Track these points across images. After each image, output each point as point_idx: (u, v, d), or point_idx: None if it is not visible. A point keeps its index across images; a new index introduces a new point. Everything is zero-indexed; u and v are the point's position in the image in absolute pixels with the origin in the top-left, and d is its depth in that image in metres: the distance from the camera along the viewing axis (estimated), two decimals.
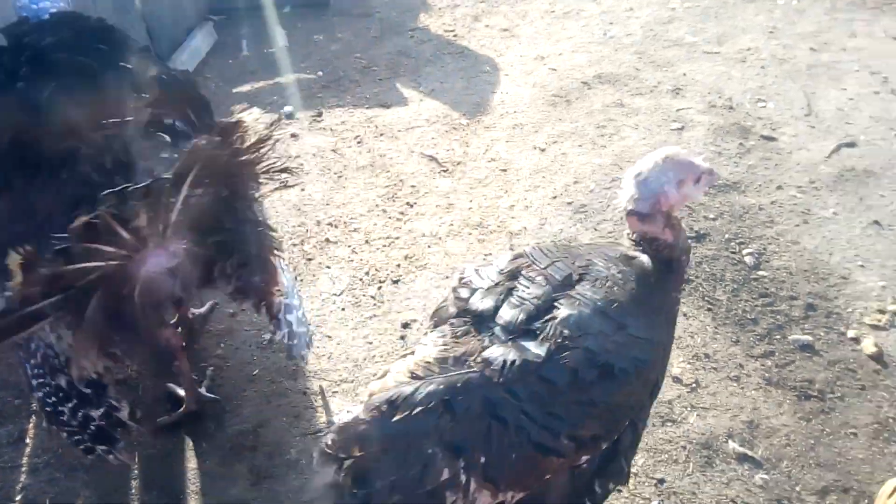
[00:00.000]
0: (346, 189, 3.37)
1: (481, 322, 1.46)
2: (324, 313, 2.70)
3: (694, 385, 2.33)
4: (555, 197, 3.23)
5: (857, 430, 2.20)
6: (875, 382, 2.35)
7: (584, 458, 1.46)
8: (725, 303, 2.64)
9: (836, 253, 2.87)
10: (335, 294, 2.78)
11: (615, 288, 1.49)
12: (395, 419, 1.33)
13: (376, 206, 3.25)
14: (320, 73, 4.46)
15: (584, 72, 4.25)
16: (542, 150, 3.57)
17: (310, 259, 2.94)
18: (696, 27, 4.65)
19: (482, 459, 1.34)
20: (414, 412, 1.32)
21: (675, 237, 1.61)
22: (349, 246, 3.01)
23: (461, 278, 1.58)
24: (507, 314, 1.45)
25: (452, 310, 1.53)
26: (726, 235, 2.96)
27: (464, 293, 1.53)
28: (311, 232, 3.09)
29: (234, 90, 4.32)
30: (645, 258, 1.59)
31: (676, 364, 2.40)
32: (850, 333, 2.51)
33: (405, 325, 2.62)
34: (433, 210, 3.20)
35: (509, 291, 1.49)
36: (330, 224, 3.14)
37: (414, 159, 3.57)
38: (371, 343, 2.56)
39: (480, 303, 1.49)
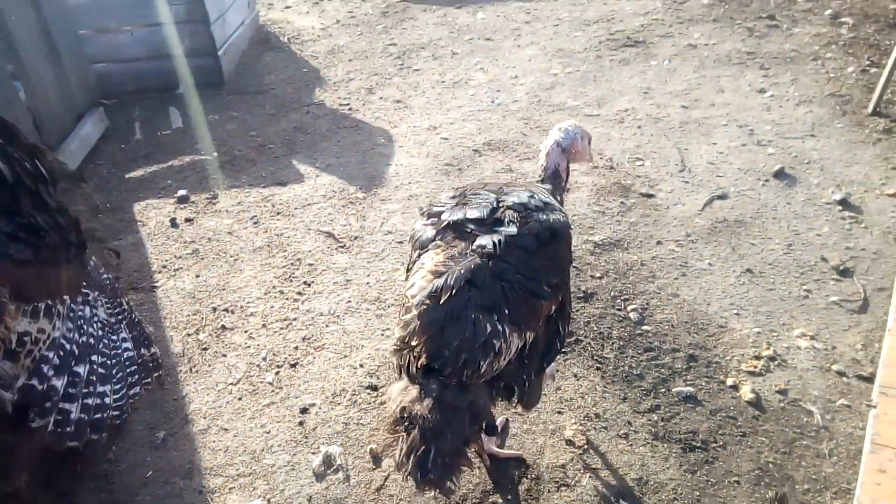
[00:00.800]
0: (242, 272, 3.35)
1: (458, 228, 1.94)
2: (220, 405, 2.66)
3: (585, 447, 2.41)
4: None
5: (739, 478, 2.31)
6: (755, 428, 2.49)
7: (553, 305, 1.97)
8: (613, 360, 2.76)
9: (714, 302, 3.05)
10: (231, 384, 2.75)
11: (534, 191, 2.09)
12: (441, 302, 1.74)
13: (273, 287, 3.24)
14: (215, 154, 4.46)
15: (475, 139, 4.41)
16: None
17: (205, 348, 2.90)
18: (576, 91, 4.92)
19: (506, 311, 1.80)
20: (452, 293, 1.75)
21: (567, 176, 2.40)
22: (246, 331, 2.99)
23: (425, 212, 2.07)
24: (473, 215, 1.94)
25: (431, 232, 1.99)
26: (612, 293, 3.10)
27: (434, 218, 2.01)
28: (206, 320, 3.06)
29: (128, 175, 4.27)
30: (546, 184, 2.31)
31: (569, 426, 2.48)
32: (730, 381, 2.66)
33: (303, 411, 2.61)
34: (331, 288, 3.23)
35: (465, 204, 2.00)
36: (226, 310, 3.11)
37: (311, 237, 3.60)
38: (269, 432, 2.54)
39: (451, 216, 1.96)
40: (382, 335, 2.93)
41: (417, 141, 4.48)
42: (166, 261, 3.47)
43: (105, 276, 2.47)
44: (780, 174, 3.84)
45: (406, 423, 1.79)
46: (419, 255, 1.97)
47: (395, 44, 6.04)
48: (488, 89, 5.08)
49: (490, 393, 1.93)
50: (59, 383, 2.16)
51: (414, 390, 1.83)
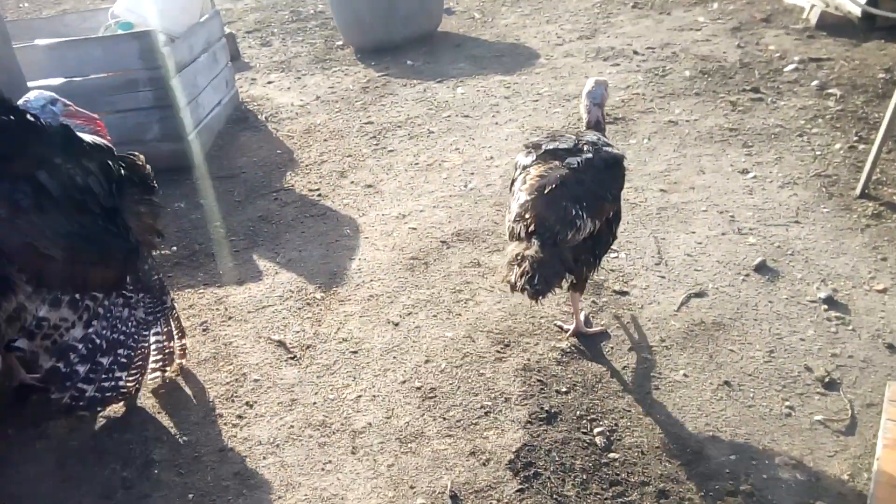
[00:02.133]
0: (180, 391, 3.13)
1: (552, 154, 2.89)
2: None
3: None
4: (404, 381, 3.08)
5: None
6: None
7: (612, 210, 2.91)
8: (574, 499, 2.49)
9: (688, 422, 2.80)
10: None
11: (598, 135, 3.04)
12: (545, 192, 2.73)
13: (212, 410, 3.01)
14: (174, 248, 4.28)
15: (444, 229, 4.22)
16: (396, 325, 3.44)
17: (128, 487, 2.66)
18: None
19: (584, 204, 2.72)
20: (553, 186, 2.72)
21: (604, 119, 3.20)
22: (176, 465, 2.75)
23: (528, 145, 3.03)
24: (563, 145, 2.90)
25: (532, 157, 2.94)
26: (578, 412, 2.85)
27: (535, 149, 2.97)
28: (135, 452, 2.82)
29: None
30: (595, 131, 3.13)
31: None
32: None
33: None
34: (274, 409, 2.99)
35: (556, 140, 2.94)
36: (157, 439, 2.87)
37: (261, 346, 3.38)
38: None
39: (548, 146, 2.93)
40: (323, 470, 2.68)
41: (384, 231, 4.29)
42: None
43: (156, 277, 2.92)
44: (761, 268, 3.61)
45: (519, 260, 2.68)
46: (524, 170, 2.92)
47: (371, 122, 5.93)
48: (462, 172, 4.92)
49: (571, 255, 2.80)
50: (81, 369, 2.61)
51: (523, 245, 2.72)
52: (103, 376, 2.68)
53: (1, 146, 2.41)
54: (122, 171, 2.75)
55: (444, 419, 2.86)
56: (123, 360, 2.76)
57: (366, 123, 5.91)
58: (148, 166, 2.97)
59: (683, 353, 3.14)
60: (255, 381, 3.16)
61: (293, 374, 3.18)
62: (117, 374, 2.75)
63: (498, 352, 3.21)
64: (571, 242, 2.74)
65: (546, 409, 2.87)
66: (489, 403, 2.91)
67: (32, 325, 2.45)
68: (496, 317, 3.43)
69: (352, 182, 4.97)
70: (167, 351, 2.99)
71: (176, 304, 3.08)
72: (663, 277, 3.64)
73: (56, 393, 2.63)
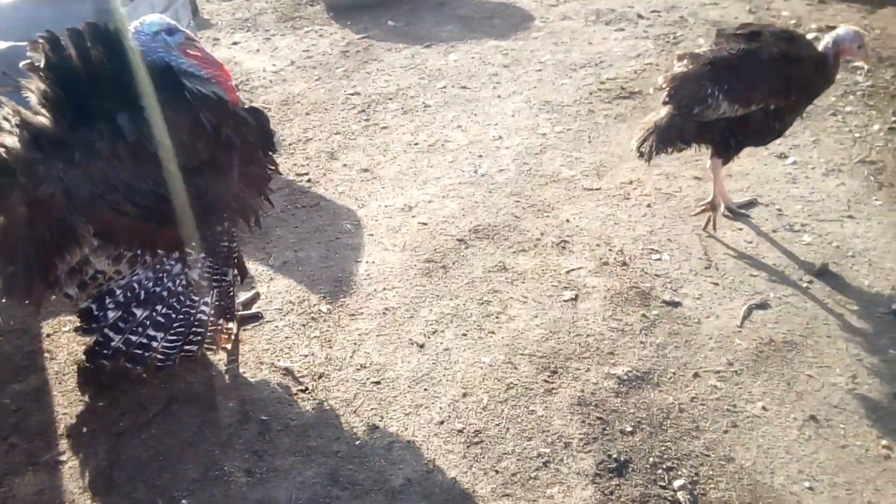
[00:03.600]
0: (174, 437, 2.60)
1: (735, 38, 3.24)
2: None
3: None
4: (441, 422, 2.62)
5: None
6: None
7: (769, 103, 3.17)
8: None
9: (778, 470, 2.42)
10: None
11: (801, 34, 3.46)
12: (688, 69, 3.20)
13: (215, 462, 2.50)
14: None
15: (459, 225, 3.73)
16: (421, 347, 2.97)
17: None
18: (571, 157, 4.28)
19: (726, 87, 3.09)
20: (696, 65, 3.20)
21: (836, 62, 3.25)
22: None
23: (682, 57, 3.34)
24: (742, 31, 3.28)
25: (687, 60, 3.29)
26: (650, 458, 2.45)
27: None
28: None
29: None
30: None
31: None
32: None
33: None
34: (290, 462, 2.50)
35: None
36: (149, 502, 2.36)
37: (263, 375, 2.87)
38: None
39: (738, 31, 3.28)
40: None
41: (390, 227, 3.77)
42: (79, 416, 2.71)
43: (225, 243, 2.61)
44: (823, 273, 3.24)
45: (650, 128, 3.20)
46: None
47: (358, 93, 5.33)
48: (469, 154, 4.40)
49: (695, 128, 3.21)
50: (112, 315, 2.50)
51: (657, 114, 3.24)
52: (133, 328, 2.52)
53: (82, 79, 2.27)
54: (228, 127, 2.44)
55: (497, 472, 2.42)
56: (160, 318, 2.55)
57: (351, 94, 5.31)
58: (271, 128, 2.65)
59: (757, 380, 2.76)
60: (262, 421, 2.66)
61: (307, 413, 2.69)
62: (150, 332, 2.55)
63: (546, 381, 2.77)
64: (699, 118, 3.13)
65: (614, 456, 2.45)
66: (547, 451, 2.48)
67: (88, 277, 2.41)
68: (535, 335, 2.99)
69: (344, 165, 4.40)
70: (212, 327, 2.71)
71: (236, 283, 2.85)
72: (716, 284, 3.24)
73: (81, 335, 2.64)
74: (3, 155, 2.26)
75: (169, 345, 2.61)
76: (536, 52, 5.73)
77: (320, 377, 2.85)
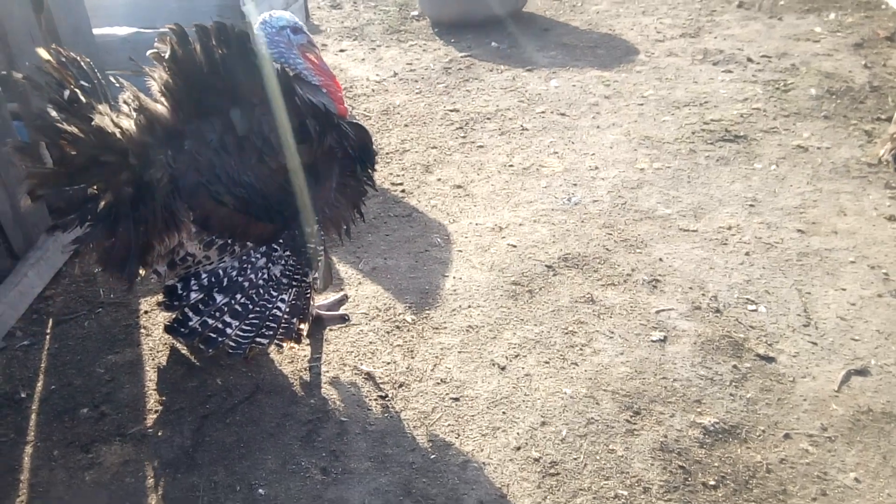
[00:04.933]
0: (258, 424, 2.66)
1: None
2: None
3: None
4: (518, 448, 2.59)
5: None
6: None
7: None
8: None
9: None
10: None
11: None
12: None
13: (293, 457, 2.55)
14: None
15: (548, 251, 3.70)
16: (502, 369, 2.95)
17: None
18: (668, 195, 4.20)
19: None
20: None
21: None
22: None
23: None
24: None
25: None
26: None
27: None
28: (201, 501, 2.36)
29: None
30: None
31: None
32: None
33: None
34: (365, 466, 2.52)
35: None
36: (228, 486, 2.42)
37: (346, 377, 2.91)
38: None
39: None
40: None
41: (480, 245, 3.78)
42: (169, 394, 2.81)
43: (312, 245, 2.64)
44: None
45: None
46: None
47: (456, 109, 5.39)
48: (564, 181, 4.38)
49: None
50: (194, 296, 2.59)
51: None
52: (211, 312, 2.60)
53: (203, 74, 2.36)
54: (331, 137, 2.52)
55: None
56: (237, 307, 2.62)
57: (450, 111, 5.37)
58: (372, 146, 2.78)
59: (851, 450, 2.62)
60: (341, 422, 2.69)
61: (385, 420, 2.71)
62: (226, 318, 2.62)
63: (627, 420, 2.71)
64: None
65: None
66: (625, 493, 2.42)
67: (179, 258, 2.53)
68: (620, 373, 2.93)
69: (438, 179, 4.45)
70: (285, 324, 2.75)
71: (316, 287, 2.94)
72: (815, 344, 3.10)
73: (162, 311, 2.82)
74: (118, 135, 2.35)
75: (242, 334, 2.66)
76: (639, 86, 5.67)
77: (400, 386, 2.87)
